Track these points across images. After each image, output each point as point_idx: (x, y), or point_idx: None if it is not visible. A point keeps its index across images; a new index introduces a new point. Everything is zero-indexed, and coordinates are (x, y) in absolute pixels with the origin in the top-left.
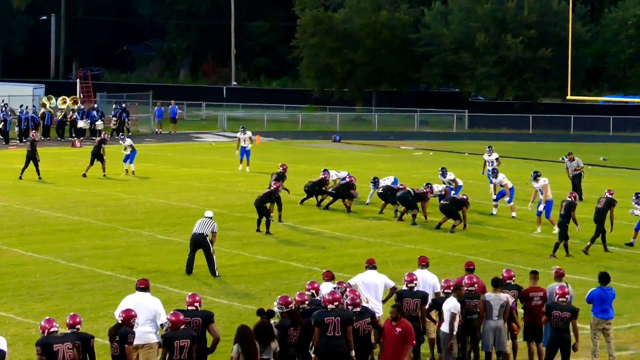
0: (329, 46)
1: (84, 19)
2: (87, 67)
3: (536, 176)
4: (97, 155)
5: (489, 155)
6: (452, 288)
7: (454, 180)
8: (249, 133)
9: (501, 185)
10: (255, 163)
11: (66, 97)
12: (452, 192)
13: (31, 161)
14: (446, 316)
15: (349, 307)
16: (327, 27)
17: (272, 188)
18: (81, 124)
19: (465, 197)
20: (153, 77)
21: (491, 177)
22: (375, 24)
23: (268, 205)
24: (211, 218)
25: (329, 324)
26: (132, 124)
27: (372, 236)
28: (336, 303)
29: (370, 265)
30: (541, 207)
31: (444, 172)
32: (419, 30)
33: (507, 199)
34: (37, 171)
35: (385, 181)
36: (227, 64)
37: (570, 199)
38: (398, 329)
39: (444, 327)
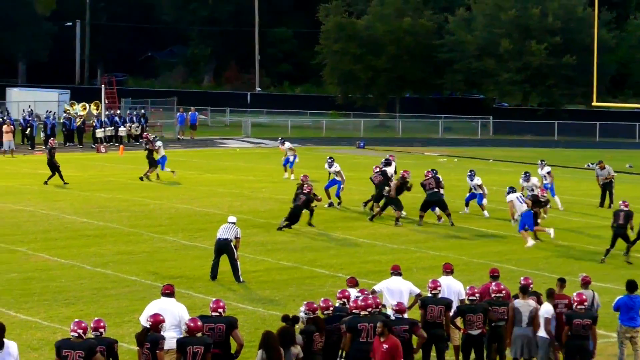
0: (352, 52)
1: (108, 25)
2: (111, 73)
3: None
4: (150, 158)
5: (542, 169)
6: (547, 295)
7: (480, 186)
8: (288, 144)
9: (531, 190)
10: (279, 169)
11: (86, 104)
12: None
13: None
14: (541, 321)
15: (396, 314)
16: (351, 34)
17: (305, 191)
18: (99, 133)
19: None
20: (177, 83)
21: (523, 181)
22: (399, 31)
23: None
24: (234, 223)
25: (362, 330)
26: (156, 130)
27: (396, 242)
28: (369, 309)
29: (396, 271)
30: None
31: (471, 175)
32: (442, 37)
33: None
34: (61, 177)
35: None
36: (250, 70)
37: (627, 209)
38: (385, 346)
39: (541, 333)
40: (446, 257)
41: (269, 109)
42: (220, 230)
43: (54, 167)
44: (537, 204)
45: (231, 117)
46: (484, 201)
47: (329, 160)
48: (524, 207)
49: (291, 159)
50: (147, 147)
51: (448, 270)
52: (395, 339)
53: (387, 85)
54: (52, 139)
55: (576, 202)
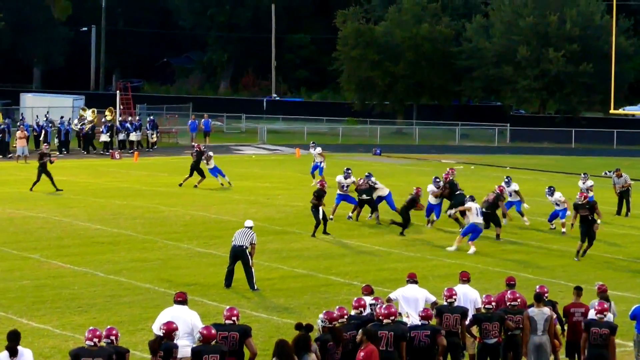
0: (369, 59)
1: (124, 30)
2: (127, 78)
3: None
4: (197, 168)
5: (584, 183)
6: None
7: (517, 192)
8: (319, 149)
9: (557, 204)
10: (295, 176)
11: (95, 109)
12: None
13: (43, 173)
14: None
15: (422, 320)
16: (368, 40)
17: (413, 194)
18: (103, 137)
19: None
20: (193, 89)
21: (547, 195)
22: (417, 37)
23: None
24: (251, 228)
25: (382, 338)
26: (171, 136)
27: (412, 250)
28: (392, 317)
29: (411, 279)
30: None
31: (508, 182)
32: (460, 44)
33: (560, 213)
34: (53, 183)
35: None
36: (267, 77)
37: None
38: (362, 354)
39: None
40: (462, 266)
41: (285, 116)
42: (236, 236)
43: (44, 171)
44: (579, 208)
45: (247, 124)
46: (524, 205)
47: (348, 172)
48: (479, 220)
49: (322, 165)
50: (202, 158)
51: (464, 278)
52: (372, 347)
53: (404, 92)
54: (45, 144)
55: None
